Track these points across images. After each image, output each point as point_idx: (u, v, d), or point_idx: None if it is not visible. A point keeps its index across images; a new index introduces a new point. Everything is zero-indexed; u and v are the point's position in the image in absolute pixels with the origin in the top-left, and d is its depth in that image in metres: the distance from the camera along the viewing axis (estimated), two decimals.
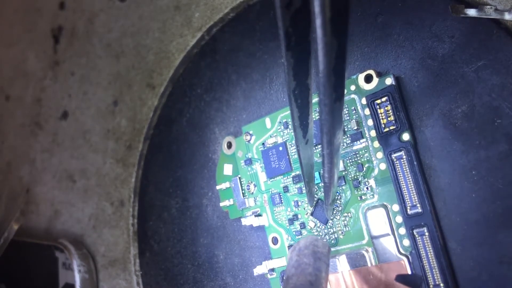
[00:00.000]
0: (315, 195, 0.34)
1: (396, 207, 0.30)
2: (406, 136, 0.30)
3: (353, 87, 0.32)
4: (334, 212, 0.33)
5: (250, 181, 0.37)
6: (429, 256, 0.29)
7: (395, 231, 0.30)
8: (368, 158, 0.31)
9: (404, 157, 0.30)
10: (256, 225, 0.36)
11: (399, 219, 0.30)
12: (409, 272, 0.29)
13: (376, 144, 0.31)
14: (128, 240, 0.45)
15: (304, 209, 0.34)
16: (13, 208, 0.54)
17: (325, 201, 0.29)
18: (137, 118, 0.46)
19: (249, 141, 0.37)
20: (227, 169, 0.39)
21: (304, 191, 0.34)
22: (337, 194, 0.33)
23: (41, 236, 0.53)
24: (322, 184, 0.33)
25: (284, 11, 0.15)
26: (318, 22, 0.15)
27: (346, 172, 0.32)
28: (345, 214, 0.32)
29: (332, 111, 0.18)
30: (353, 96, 0.32)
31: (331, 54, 0.16)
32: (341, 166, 0.32)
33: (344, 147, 0.32)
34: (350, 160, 0.32)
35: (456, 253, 0.29)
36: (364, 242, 0.32)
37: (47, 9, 0.55)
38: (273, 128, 0.36)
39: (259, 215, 0.36)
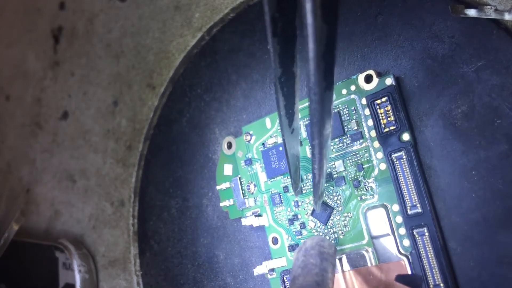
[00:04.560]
0: (301, 186, 0.34)
1: (396, 207, 0.30)
2: (406, 136, 0.30)
3: (353, 87, 0.32)
4: (334, 212, 0.33)
5: (250, 181, 0.37)
6: (429, 256, 0.29)
7: (395, 231, 0.30)
8: (368, 158, 0.31)
9: (404, 157, 0.30)
10: (256, 225, 0.36)
11: (399, 219, 0.30)
12: (409, 272, 0.29)
13: (376, 144, 0.31)
14: (128, 240, 0.45)
15: (304, 209, 0.34)
16: (13, 208, 0.54)
17: (314, 193, 0.28)
18: (137, 118, 0.46)
19: (249, 141, 0.37)
20: (227, 169, 0.39)
21: (304, 191, 0.34)
22: (337, 194, 0.33)
23: (41, 236, 0.53)
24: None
25: None
26: (308, 6, 0.14)
27: (346, 172, 0.32)
28: (345, 214, 0.32)
29: (322, 101, 0.18)
30: (353, 96, 0.32)
31: (321, 40, 0.15)
32: (341, 166, 0.32)
33: (344, 147, 0.32)
34: (350, 160, 0.32)
35: (456, 253, 0.29)
36: (364, 242, 0.32)
37: (47, 9, 0.55)
38: (273, 128, 0.36)
39: (259, 215, 0.36)
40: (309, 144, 0.34)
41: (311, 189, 0.32)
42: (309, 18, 0.14)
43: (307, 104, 0.34)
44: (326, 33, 0.15)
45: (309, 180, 0.34)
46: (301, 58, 0.18)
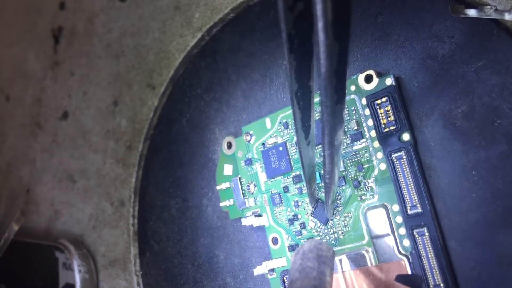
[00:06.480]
0: (316, 196, 0.34)
1: (396, 207, 0.30)
2: (406, 136, 0.30)
3: (353, 87, 0.32)
4: (334, 212, 0.33)
5: (250, 181, 0.37)
6: (429, 256, 0.29)
7: (395, 231, 0.30)
8: (368, 158, 0.31)
9: (404, 157, 0.30)
10: (256, 225, 0.36)
11: (399, 219, 0.30)
12: (409, 272, 0.29)
13: (376, 144, 0.31)
14: (128, 240, 0.45)
15: (304, 209, 0.34)
16: (13, 208, 0.54)
17: (326, 201, 0.29)
18: (137, 118, 0.46)
19: (249, 141, 0.37)
20: (227, 169, 0.39)
21: (304, 191, 0.34)
22: (337, 194, 0.33)
23: (41, 236, 0.53)
24: (323, 184, 0.33)
25: (287, 14, 0.15)
26: (320, 25, 0.15)
27: (346, 172, 0.32)
28: (345, 214, 0.32)
29: (333, 113, 0.19)
30: (353, 96, 0.32)
31: (332, 56, 0.16)
32: (341, 166, 0.32)
33: (344, 147, 0.32)
34: (350, 160, 0.32)
35: (456, 253, 0.29)
36: (364, 242, 0.32)
37: (47, 9, 0.55)
38: (273, 128, 0.36)
39: (259, 215, 0.36)
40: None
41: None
42: (321, 36, 0.15)
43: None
44: (337, 50, 0.16)
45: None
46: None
